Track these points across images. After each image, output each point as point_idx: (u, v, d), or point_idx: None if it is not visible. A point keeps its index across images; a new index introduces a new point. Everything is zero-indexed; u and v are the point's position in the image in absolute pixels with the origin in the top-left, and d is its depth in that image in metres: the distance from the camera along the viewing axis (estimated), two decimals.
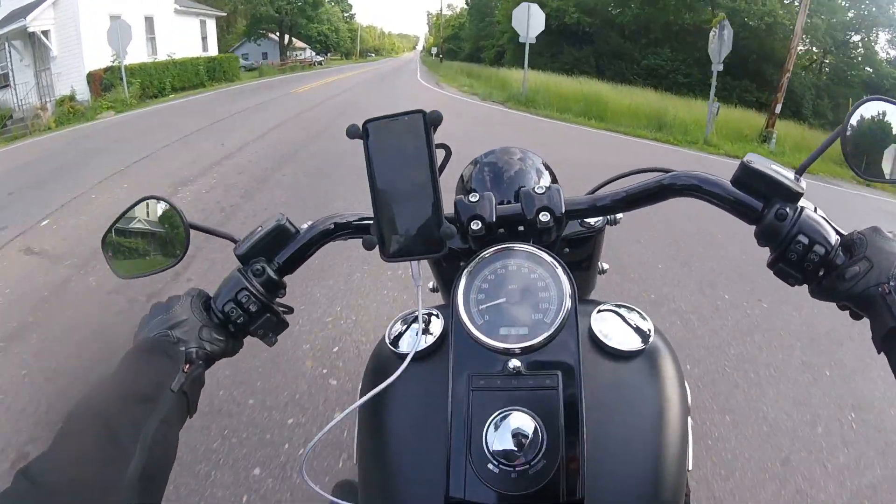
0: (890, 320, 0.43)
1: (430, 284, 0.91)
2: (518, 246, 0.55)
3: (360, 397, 0.55)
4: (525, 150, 0.83)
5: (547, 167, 0.83)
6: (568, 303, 0.51)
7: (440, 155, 0.52)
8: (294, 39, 43.04)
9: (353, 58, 66.39)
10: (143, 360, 0.50)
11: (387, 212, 0.50)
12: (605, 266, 0.88)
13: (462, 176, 0.81)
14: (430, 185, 0.49)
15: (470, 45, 40.65)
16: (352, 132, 0.49)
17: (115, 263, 0.62)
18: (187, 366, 0.50)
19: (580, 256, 0.80)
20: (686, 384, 0.60)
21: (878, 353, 0.46)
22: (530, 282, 0.53)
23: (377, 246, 0.51)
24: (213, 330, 0.54)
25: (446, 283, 0.80)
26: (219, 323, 0.55)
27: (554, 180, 0.81)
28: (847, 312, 0.50)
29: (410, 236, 0.50)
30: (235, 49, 40.85)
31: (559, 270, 0.53)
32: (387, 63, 50.21)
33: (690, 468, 0.56)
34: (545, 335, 0.49)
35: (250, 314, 0.55)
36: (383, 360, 0.62)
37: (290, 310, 0.59)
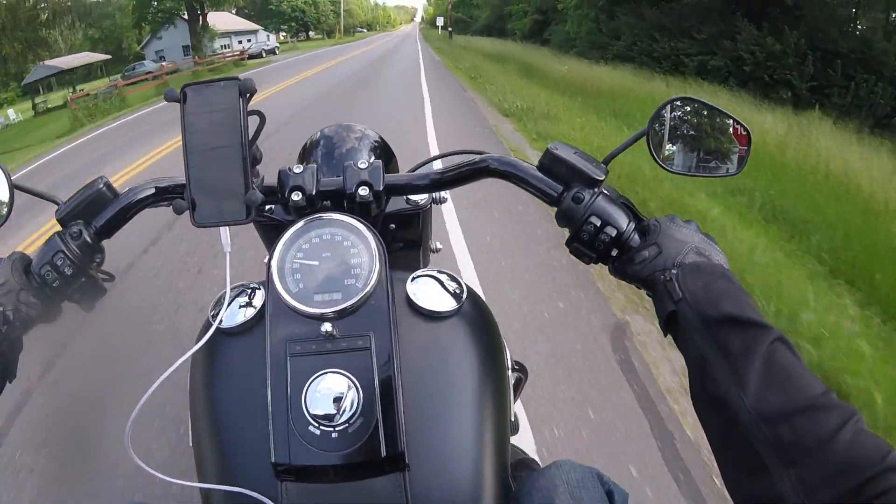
0: (669, 304, 0.46)
1: (266, 258, 0.92)
2: (328, 215, 0.57)
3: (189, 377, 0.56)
4: (366, 129, 0.85)
5: (385, 147, 0.85)
6: (377, 266, 0.53)
7: (254, 123, 0.53)
8: (216, 21, 31.30)
9: (335, 36, 56.40)
10: None
11: (198, 177, 0.51)
12: (438, 245, 0.91)
13: (303, 146, 0.82)
14: (239, 152, 0.50)
15: (487, 13, 31.24)
16: (169, 95, 0.50)
17: None
18: (4, 327, 0.49)
19: (409, 235, 0.82)
20: (504, 341, 0.62)
21: (664, 336, 0.49)
22: (343, 249, 0.55)
23: (187, 211, 0.51)
24: (31, 293, 0.53)
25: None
26: (37, 287, 0.54)
27: (391, 159, 0.84)
28: (644, 292, 0.53)
29: (219, 203, 0.51)
30: (144, 46, 31.52)
31: (369, 236, 0.55)
32: (378, 43, 36.24)
33: (513, 419, 0.59)
34: (357, 298, 0.51)
35: (66, 278, 0.54)
36: (201, 332, 0.62)
37: (111, 277, 0.59)
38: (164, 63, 24.80)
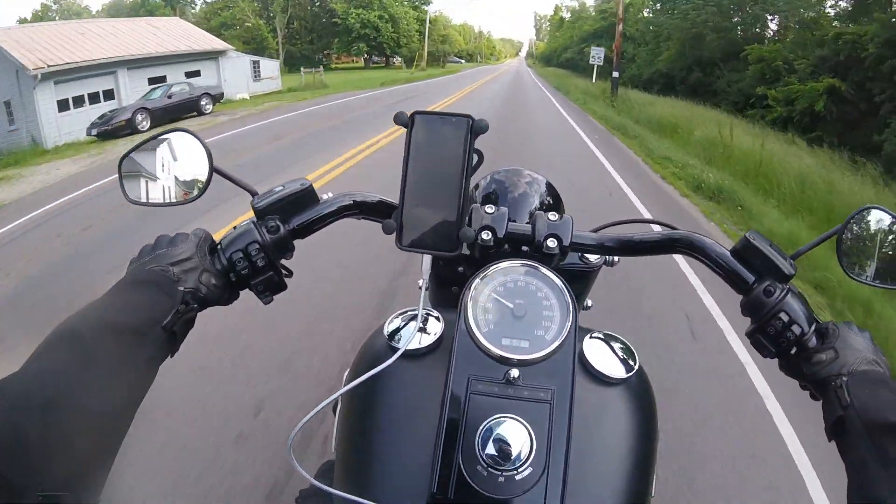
0: (838, 409, 0.47)
1: (420, 283, 0.95)
2: (535, 265, 0.58)
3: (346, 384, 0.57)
4: (535, 174, 0.87)
5: (555, 194, 0.88)
6: (569, 325, 0.53)
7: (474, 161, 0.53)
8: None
9: (415, 67, 39.69)
10: (137, 291, 0.49)
11: (412, 202, 0.52)
12: (590, 303, 0.91)
13: (474, 186, 0.85)
14: (459, 187, 0.51)
15: (671, 53, 18.33)
16: (400, 119, 0.52)
17: (128, 186, 0.61)
18: (182, 306, 0.49)
19: (572, 290, 0.82)
20: (657, 419, 0.62)
21: (829, 441, 0.49)
22: (537, 299, 0.55)
23: (395, 232, 0.52)
24: (214, 276, 0.53)
25: (438, 285, 0.82)
26: (221, 270, 0.55)
27: (560, 206, 0.87)
28: (808, 393, 0.54)
29: (429, 231, 0.52)
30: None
31: (566, 295, 0.56)
32: (473, 86, 22.66)
33: (653, 496, 0.59)
34: (545, 351, 0.52)
35: (255, 268, 0.55)
36: (375, 350, 0.64)
37: (291, 273, 0.60)
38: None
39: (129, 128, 11.90)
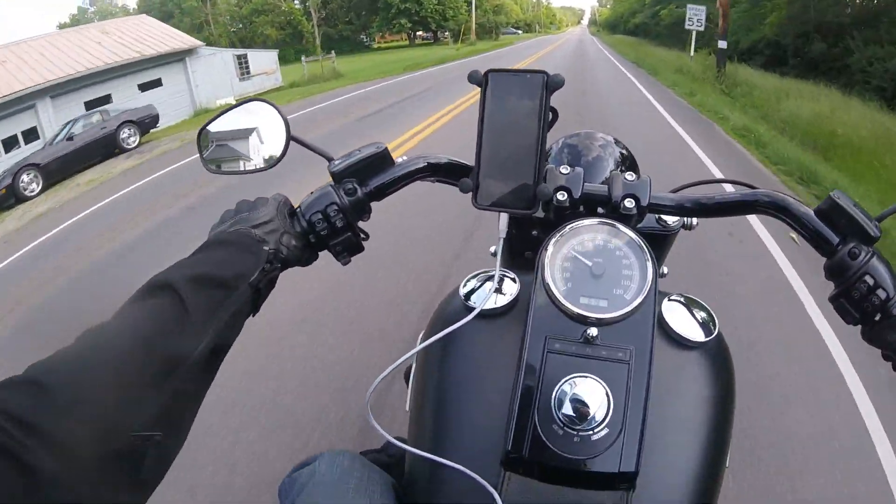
0: None
1: (492, 249, 0.92)
2: (612, 222, 0.56)
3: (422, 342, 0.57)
4: (608, 137, 0.85)
5: (632, 158, 0.86)
6: (649, 284, 0.52)
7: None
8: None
9: (461, 42, 33.15)
10: (226, 249, 0.51)
11: (489, 161, 0.52)
12: (666, 270, 0.88)
13: (549, 149, 0.83)
14: (535, 145, 0.51)
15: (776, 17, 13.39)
16: (474, 77, 0.52)
17: (208, 156, 0.63)
18: (267, 265, 0.51)
19: None
20: (735, 387, 0.61)
21: None
22: (616, 258, 0.54)
23: (471, 192, 0.53)
24: (294, 237, 0.55)
25: (512, 248, 0.81)
26: (301, 232, 0.56)
27: (636, 168, 0.84)
28: (890, 364, 0.51)
29: (506, 189, 0.52)
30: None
31: (646, 253, 0.54)
32: (530, 61, 18.00)
33: (728, 465, 0.57)
34: (624, 310, 0.51)
35: (334, 229, 0.57)
36: (452, 310, 0.64)
37: (367, 236, 0.61)
38: None
39: (13, 196, 8.14)
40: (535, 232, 0.75)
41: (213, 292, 0.45)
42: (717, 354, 0.59)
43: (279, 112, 0.61)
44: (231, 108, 0.63)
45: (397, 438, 0.54)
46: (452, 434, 0.54)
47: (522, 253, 0.78)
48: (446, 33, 40.51)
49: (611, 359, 0.49)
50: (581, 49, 26.04)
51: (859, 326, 0.52)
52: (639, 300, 0.51)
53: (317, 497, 0.53)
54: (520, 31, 65.92)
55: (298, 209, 0.58)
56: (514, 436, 0.47)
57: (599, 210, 0.60)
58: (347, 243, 0.58)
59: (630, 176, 0.59)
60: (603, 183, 0.61)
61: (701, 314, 0.60)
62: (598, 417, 0.45)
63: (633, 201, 0.58)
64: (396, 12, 34.80)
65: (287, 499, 0.55)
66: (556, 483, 0.47)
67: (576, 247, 0.55)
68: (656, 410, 0.51)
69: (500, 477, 0.48)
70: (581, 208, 0.60)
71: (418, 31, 41.06)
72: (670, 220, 0.77)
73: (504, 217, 0.55)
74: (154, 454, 0.36)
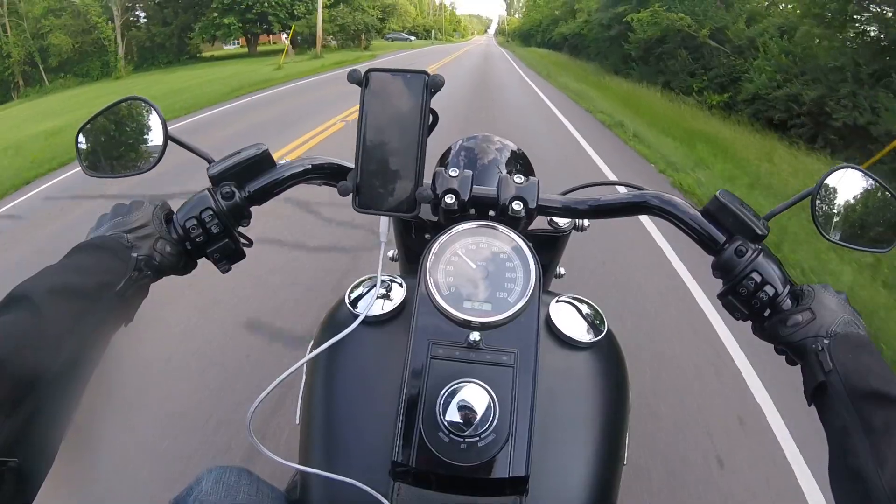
0: (819, 375, 0.46)
1: (391, 253, 0.92)
2: (493, 224, 0.56)
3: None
4: (505, 141, 0.87)
5: (525, 160, 0.87)
6: (532, 286, 0.52)
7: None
8: None
9: (283, 56, 17.27)
10: (91, 256, 0.48)
11: (368, 163, 0.51)
12: (562, 271, 0.90)
13: (445, 153, 0.83)
14: (415, 146, 0.50)
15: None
16: (353, 76, 0.50)
17: (85, 159, 0.60)
18: (136, 273, 0.48)
19: (542, 256, 0.82)
20: (629, 384, 0.62)
21: (809, 405, 0.48)
22: (499, 261, 0.54)
23: (351, 194, 0.52)
24: (169, 244, 0.53)
25: (408, 254, 0.81)
26: (177, 238, 0.54)
27: (530, 172, 0.85)
28: (784, 358, 0.53)
29: (386, 192, 0.51)
30: None
31: (528, 255, 0.54)
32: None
33: (626, 463, 0.58)
34: (507, 314, 0.50)
35: (210, 235, 0.54)
36: (338, 318, 0.63)
37: (250, 242, 0.58)
38: None
39: None
40: (427, 235, 0.73)
41: (73, 304, 0.43)
42: (607, 353, 0.59)
43: (158, 112, 0.58)
44: (107, 107, 0.59)
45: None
46: (342, 446, 0.53)
47: (418, 257, 0.78)
48: (285, 37, 26.75)
49: (495, 363, 0.48)
50: (488, 67, 17.45)
51: (749, 322, 0.54)
52: (522, 302, 0.50)
53: None
54: (412, 38, 53.21)
55: (175, 214, 0.55)
56: (401, 445, 0.45)
57: (490, 213, 0.60)
58: (226, 250, 0.55)
59: (519, 178, 0.59)
60: (490, 186, 0.61)
61: (589, 314, 0.60)
62: (484, 423, 0.45)
63: (521, 203, 0.57)
64: (222, 9, 24.31)
65: None
66: (447, 491, 0.46)
67: (459, 250, 0.54)
68: (547, 412, 0.51)
69: (390, 487, 0.47)
70: (472, 211, 0.60)
71: (259, 32, 28.16)
72: (561, 222, 0.78)
73: (385, 220, 0.54)
74: (12, 479, 0.34)
